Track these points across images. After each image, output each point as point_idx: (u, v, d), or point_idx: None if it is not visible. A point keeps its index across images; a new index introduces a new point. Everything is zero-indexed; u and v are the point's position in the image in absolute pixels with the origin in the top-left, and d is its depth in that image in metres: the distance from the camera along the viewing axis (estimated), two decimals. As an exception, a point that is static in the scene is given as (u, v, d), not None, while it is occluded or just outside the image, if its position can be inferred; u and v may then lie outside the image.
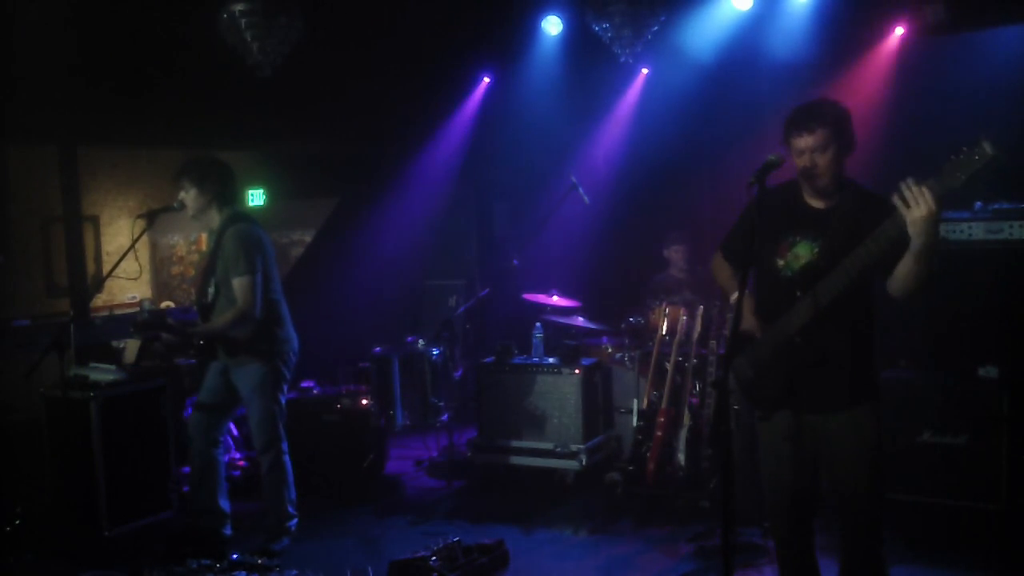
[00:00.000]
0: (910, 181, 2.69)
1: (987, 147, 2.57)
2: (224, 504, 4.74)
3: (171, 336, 4.49)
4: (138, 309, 7.90)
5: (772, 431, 3.22)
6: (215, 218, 4.59)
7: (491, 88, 7.67)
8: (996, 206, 4.61)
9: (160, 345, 4.74)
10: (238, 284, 4.41)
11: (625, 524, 5.08)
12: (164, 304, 8.02)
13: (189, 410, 5.42)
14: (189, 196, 4.54)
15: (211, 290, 4.56)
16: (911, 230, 2.72)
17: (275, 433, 4.62)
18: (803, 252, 3.09)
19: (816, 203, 3.13)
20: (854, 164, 3.13)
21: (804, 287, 3.03)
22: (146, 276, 8.62)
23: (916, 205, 2.68)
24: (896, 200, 2.73)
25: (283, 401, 4.66)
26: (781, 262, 3.13)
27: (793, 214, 3.13)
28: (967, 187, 2.62)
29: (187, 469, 4.96)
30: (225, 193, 4.59)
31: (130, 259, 4.54)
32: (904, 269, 2.84)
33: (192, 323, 4.61)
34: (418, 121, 7.68)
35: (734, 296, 3.36)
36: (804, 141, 3.02)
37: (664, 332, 5.48)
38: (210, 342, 4.53)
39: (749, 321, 3.17)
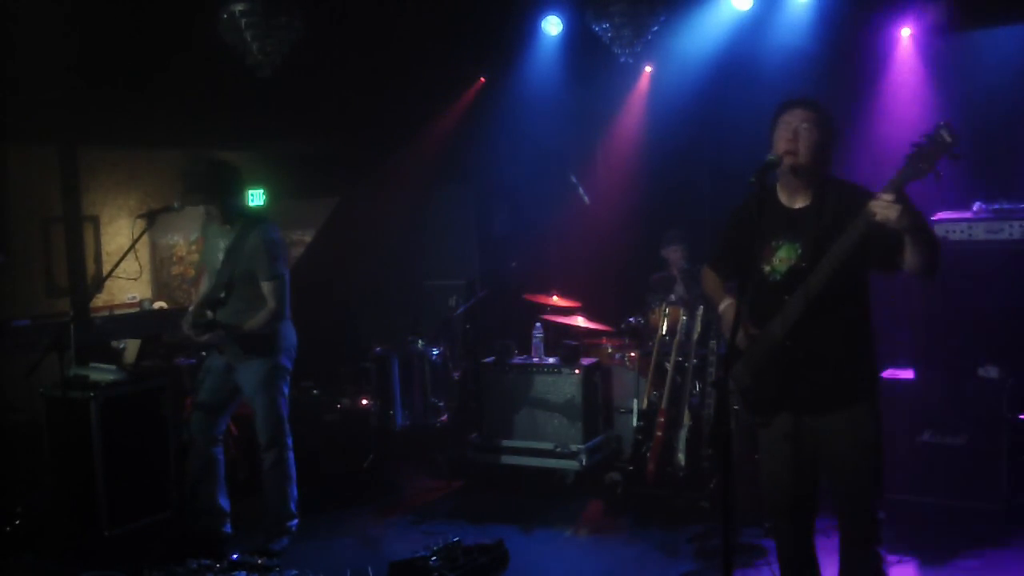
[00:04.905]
0: (878, 198, 2.75)
1: (945, 134, 2.65)
2: (224, 503, 4.74)
3: (215, 335, 4.48)
4: (138, 309, 7.92)
5: (772, 432, 3.22)
6: (236, 220, 4.61)
7: (491, 88, 7.67)
8: (996, 206, 4.61)
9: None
10: (270, 287, 4.49)
11: (625, 524, 5.08)
12: (157, 304, 8.03)
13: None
14: (217, 208, 4.55)
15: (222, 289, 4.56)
16: (892, 226, 2.76)
17: (280, 429, 4.64)
18: (787, 255, 3.09)
19: (792, 203, 3.13)
20: (857, 164, 3.13)
21: (791, 290, 3.03)
22: (146, 276, 8.60)
23: (886, 210, 2.73)
24: (870, 207, 2.77)
25: (286, 393, 4.68)
26: (767, 267, 3.12)
27: (772, 217, 3.13)
28: (934, 172, 2.66)
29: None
30: (242, 195, 4.74)
31: (130, 259, 4.53)
32: (907, 251, 2.87)
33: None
34: (418, 121, 7.68)
35: (721, 306, 3.37)
36: (793, 115, 3.04)
37: (664, 332, 5.48)
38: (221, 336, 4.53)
39: (740, 333, 3.16)
